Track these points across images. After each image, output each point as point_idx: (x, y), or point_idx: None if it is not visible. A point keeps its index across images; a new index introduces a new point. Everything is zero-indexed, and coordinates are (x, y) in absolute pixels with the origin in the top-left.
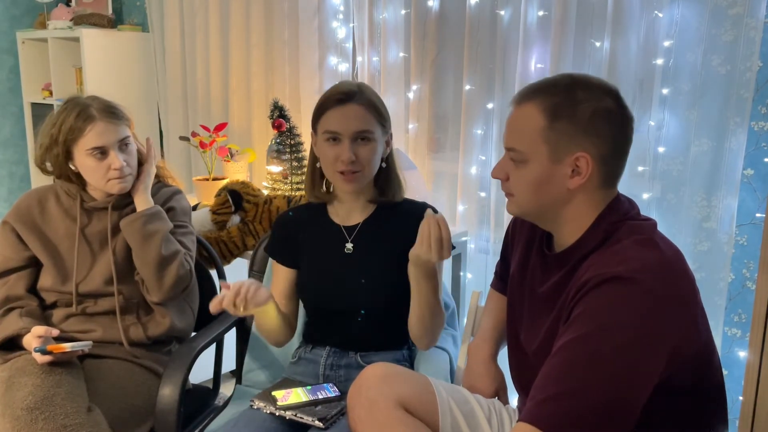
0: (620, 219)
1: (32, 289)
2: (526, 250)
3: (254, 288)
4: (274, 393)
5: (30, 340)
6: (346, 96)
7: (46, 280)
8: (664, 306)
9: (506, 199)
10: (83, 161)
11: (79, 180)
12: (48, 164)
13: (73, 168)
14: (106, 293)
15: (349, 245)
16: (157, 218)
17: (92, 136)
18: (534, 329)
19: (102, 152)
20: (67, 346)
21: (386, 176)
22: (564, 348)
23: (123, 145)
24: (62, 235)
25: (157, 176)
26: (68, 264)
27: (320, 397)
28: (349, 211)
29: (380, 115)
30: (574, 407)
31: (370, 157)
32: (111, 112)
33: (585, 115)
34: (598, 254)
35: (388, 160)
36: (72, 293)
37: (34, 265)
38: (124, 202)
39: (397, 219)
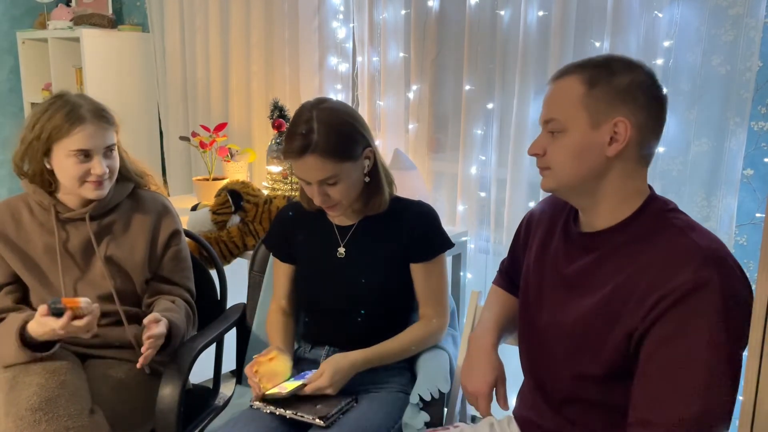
0: (668, 209)
1: (22, 303)
2: (545, 238)
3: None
4: (268, 393)
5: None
6: (299, 151)
7: (34, 301)
8: (752, 296)
9: (507, 199)
10: (62, 161)
11: (52, 180)
12: (26, 164)
13: (47, 166)
14: (105, 312)
15: (341, 250)
16: (177, 342)
17: (80, 137)
18: (565, 311)
19: (86, 155)
20: (80, 300)
21: (370, 191)
22: (675, 363)
23: (108, 151)
24: (41, 250)
25: (136, 183)
26: (54, 281)
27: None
28: (340, 214)
29: (342, 153)
30: (708, 425)
31: (341, 194)
32: (101, 115)
33: (622, 83)
34: (665, 248)
35: (372, 172)
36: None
37: (18, 281)
38: (101, 212)
39: (391, 218)
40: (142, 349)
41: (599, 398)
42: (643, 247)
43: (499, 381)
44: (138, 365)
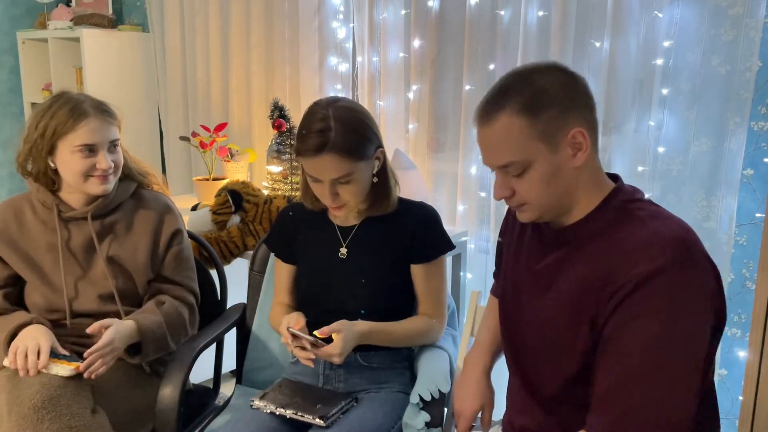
0: (632, 199)
1: (16, 305)
2: (520, 237)
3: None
4: (290, 329)
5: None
6: (315, 149)
7: (36, 298)
8: (719, 284)
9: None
10: (67, 158)
11: (55, 178)
12: (30, 164)
13: (51, 165)
14: (106, 312)
15: (343, 250)
16: (151, 345)
17: (84, 132)
18: (535, 307)
19: (91, 150)
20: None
21: (377, 191)
22: (627, 351)
23: (112, 146)
24: (44, 249)
25: (139, 182)
26: (56, 280)
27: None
28: (345, 215)
29: (357, 152)
30: (662, 413)
31: (351, 194)
32: (104, 110)
33: (556, 92)
34: (625, 239)
35: (381, 173)
36: (65, 310)
37: (15, 284)
38: (103, 211)
39: (393, 219)
40: (82, 367)
41: (586, 399)
42: (604, 240)
43: (485, 407)
44: (84, 375)
